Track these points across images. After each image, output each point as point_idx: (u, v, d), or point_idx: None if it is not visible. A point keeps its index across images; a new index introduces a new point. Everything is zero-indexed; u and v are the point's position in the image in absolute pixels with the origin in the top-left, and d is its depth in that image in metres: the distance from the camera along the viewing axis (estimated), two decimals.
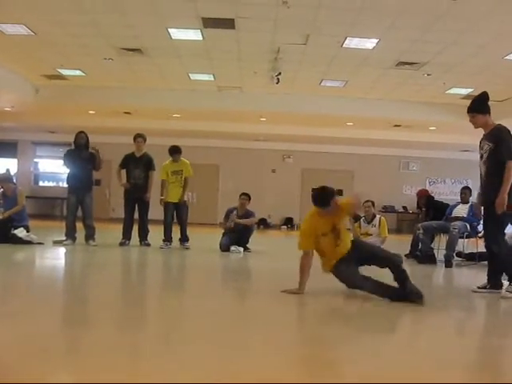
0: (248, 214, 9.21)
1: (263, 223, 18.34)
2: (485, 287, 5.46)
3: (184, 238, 9.25)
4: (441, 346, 3.42)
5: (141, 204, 9.26)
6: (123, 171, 9.43)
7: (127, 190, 9.30)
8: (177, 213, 9.28)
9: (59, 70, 12.50)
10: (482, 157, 5.49)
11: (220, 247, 8.95)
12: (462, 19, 8.27)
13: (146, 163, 9.28)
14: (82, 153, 8.98)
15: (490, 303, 5.25)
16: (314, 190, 5.18)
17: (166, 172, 9.28)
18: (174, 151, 9.31)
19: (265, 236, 14.93)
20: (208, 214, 17.79)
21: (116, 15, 8.76)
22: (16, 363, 2.67)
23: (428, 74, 11.51)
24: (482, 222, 8.59)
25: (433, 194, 11.83)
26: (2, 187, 9.23)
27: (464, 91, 12.80)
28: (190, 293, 5.43)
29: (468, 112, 5.61)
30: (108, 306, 4.36)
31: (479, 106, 5.58)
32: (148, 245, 9.14)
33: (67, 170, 9.27)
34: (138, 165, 9.25)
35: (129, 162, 9.33)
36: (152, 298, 4.97)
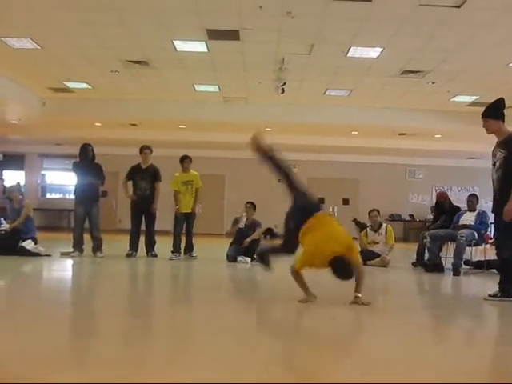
0: (254, 224, 9.22)
1: (270, 233, 18.29)
2: (496, 295, 5.43)
3: (190, 248, 9.27)
4: (450, 355, 3.41)
5: (147, 215, 9.28)
6: (129, 183, 9.46)
7: (134, 202, 9.32)
8: (186, 223, 9.31)
9: (66, 83, 12.59)
10: (494, 164, 5.45)
11: (227, 258, 8.95)
12: (466, 27, 8.29)
13: (153, 174, 9.31)
14: (88, 165, 9.02)
15: (501, 311, 5.22)
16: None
17: (176, 183, 9.33)
18: (183, 158, 9.43)
19: None
20: (214, 224, 17.80)
21: (122, 28, 8.83)
22: (22, 374, 2.68)
23: (432, 82, 11.53)
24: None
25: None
26: (11, 198, 9.30)
27: (469, 99, 12.82)
28: (197, 304, 5.42)
29: (482, 117, 5.58)
30: (115, 317, 4.36)
31: (492, 111, 5.56)
32: (155, 256, 9.15)
33: (75, 181, 9.32)
34: (144, 176, 9.28)
35: (135, 173, 9.36)
36: (159, 308, 4.97)
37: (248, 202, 9.39)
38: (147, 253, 9.19)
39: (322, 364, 3.15)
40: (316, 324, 4.33)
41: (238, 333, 3.88)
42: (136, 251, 9.18)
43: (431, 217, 12.54)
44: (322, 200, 19.77)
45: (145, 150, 9.38)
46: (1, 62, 10.89)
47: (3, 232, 8.91)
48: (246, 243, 8.93)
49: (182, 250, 9.23)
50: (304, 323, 4.42)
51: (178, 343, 3.60)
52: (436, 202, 10.28)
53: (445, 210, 9.42)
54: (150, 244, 9.24)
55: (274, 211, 18.22)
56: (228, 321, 4.26)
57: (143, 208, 9.22)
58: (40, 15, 8.33)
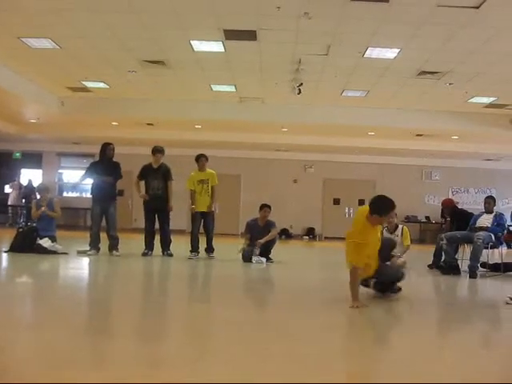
0: (269, 225, 9.18)
1: (285, 233, 18.32)
2: None
3: (210, 249, 9.31)
4: (465, 358, 3.39)
5: (161, 214, 9.29)
6: (141, 182, 9.46)
7: (146, 201, 9.33)
8: (204, 222, 9.35)
9: (83, 83, 12.69)
10: None
11: (242, 258, 8.96)
12: (485, 28, 8.23)
13: (165, 173, 9.31)
14: (106, 164, 9.08)
15: None
16: (378, 199, 5.13)
17: (192, 182, 9.37)
18: (199, 157, 9.46)
19: (287, 246, 14.92)
20: (230, 223, 17.82)
21: (139, 29, 8.89)
22: (38, 373, 2.71)
23: (450, 84, 11.45)
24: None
25: (457, 204, 11.64)
26: (41, 196, 9.47)
27: (486, 100, 12.72)
28: (212, 303, 5.45)
29: None
30: (131, 316, 4.40)
31: None
32: (170, 255, 9.18)
33: (86, 182, 9.43)
34: (156, 176, 9.27)
35: (147, 173, 9.35)
36: (174, 308, 5.00)
37: (265, 206, 9.31)
38: (163, 252, 9.22)
39: (338, 364, 3.15)
40: (328, 324, 4.33)
41: (253, 334, 3.89)
42: (152, 250, 9.22)
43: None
44: (337, 201, 19.82)
45: (157, 154, 9.31)
46: (20, 62, 11.00)
47: (21, 230, 9.01)
48: (258, 244, 8.91)
49: (203, 250, 9.27)
50: (318, 323, 4.41)
51: (194, 343, 3.62)
52: (443, 211, 10.26)
53: (452, 216, 9.43)
54: (166, 243, 9.28)
55: (290, 211, 18.40)
56: (242, 321, 4.27)
57: (156, 207, 9.24)
58: (59, 16, 8.41)
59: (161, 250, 9.25)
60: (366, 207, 5.14)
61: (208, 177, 9.39)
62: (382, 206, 4.98)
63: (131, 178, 13.90)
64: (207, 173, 9.44)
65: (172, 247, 9.31)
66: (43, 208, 9.18)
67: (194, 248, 9.19)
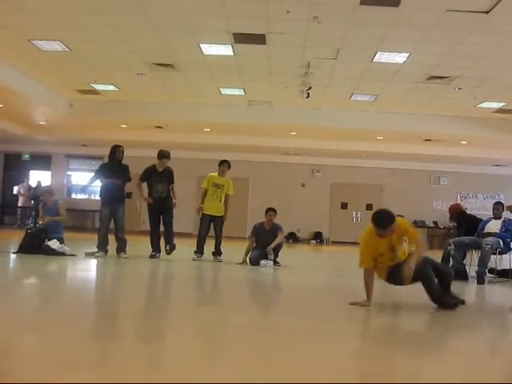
0: (275, 229, 9.14)
1: (292, 237, 18.32)
2: None
3: (217, 252, 9.31)
4: (473, 365, 3.38)
5: (166, 214, 9.24)
6: (143, 184, 9.39)
7: (151, 204, 9.28)
8: (214, 225, 9.37)
9: (93, 85, 12.76)
10: None
11: (250, 261, 8.96)
12: (494, 33, 8.22)
13: (168, 177, 9.26)
14: (115, 166, 9.08)
15: None
16: (376, 212, 5.13)
17: (208, 182, 9.38)
18: (221, 162, 9.47)
19: (294, 250, 14.90)
20: (237, 227, 17.80)
21: (149, 32, 8.93)
22: (39, 374, 2.72)
23: (459, 88, 11.42)
24: None
25: (466, 209, 11.56)
26: (44, 199, 9.50)
27: (496, 105, 12.69)
28: (219, 306, 5.44)
29: None
30: (135, 317, 4.40)
31: None
32: (173, 248, 9.10)
33: (95, 184, 9.47)
34: (161, 179, 9.16)
35: (150, 175, 9.24)
36: (180, 310, 5.00)
37: (270, 210, 9.28)
38: (166, 245, 9.16)
39: (341, 365, 3.14)
40: (334, 328, 4.32)
41: (258, 337, 3.88)
42: (159, 252, 9.21)
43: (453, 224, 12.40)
44: (345, 205, 19.79)
45: (163, 159, 9.17)
46: (30, 64, 11.08)
47: (30, 231, 9.04)
48: (270, 249, 8.88)
49: (209, 252, 9.27)
50: (324, 326, 4.41)
51: (198, 344, 3.62)
52: (450, 217, 10.13)
53: (460, 221, 9.37)
54: (170, 236, 9.17)
55: (297, 215, 18.39)
56: (248, 324, 4.27)
57: (161, 209, 9.21)
58: (70, 19, 8.47)
59: (165, 244, 9.19)
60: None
61: (225, 183, 9.39)
62: (375, 220, 5.04)
63: None
64: (225, 179, 9.43)
65: (179, 251, 9.27)
66: (41, 221, 9.14)
67: (199, 249, 9.20)
